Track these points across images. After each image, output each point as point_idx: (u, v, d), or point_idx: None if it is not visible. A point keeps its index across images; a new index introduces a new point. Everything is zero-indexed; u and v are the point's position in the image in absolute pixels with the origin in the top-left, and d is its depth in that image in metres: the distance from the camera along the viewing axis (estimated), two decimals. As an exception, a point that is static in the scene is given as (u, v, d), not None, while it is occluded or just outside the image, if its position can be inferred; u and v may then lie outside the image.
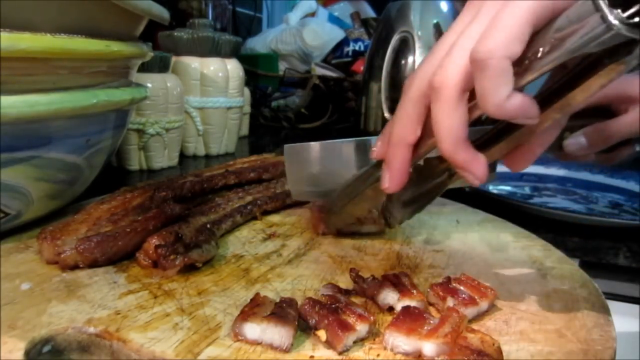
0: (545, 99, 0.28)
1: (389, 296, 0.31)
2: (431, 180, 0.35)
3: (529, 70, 0.26)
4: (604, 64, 0.25)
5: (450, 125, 0.28)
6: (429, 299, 0.32)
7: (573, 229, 0.52)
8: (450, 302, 0.31)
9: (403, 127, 0.31)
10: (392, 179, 0.32)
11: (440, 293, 0.32)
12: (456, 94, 0.27)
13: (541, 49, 0.25)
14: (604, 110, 0.39)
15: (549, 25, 0.25)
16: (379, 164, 0.34)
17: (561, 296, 0.34)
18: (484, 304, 0.31)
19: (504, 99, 0.25)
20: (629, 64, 0.24)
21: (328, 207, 0.43)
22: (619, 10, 0.22)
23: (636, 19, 0.22)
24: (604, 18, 0.22)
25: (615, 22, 0.22)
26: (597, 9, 0.22)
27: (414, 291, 0.32)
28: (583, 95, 0.27)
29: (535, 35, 0.25)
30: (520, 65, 0.26)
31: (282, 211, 0.51)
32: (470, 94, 0.28)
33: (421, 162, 0.35)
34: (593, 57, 0.25)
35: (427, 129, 0.31)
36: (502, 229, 0.47)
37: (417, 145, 0.31)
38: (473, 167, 0.29)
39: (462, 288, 0.32)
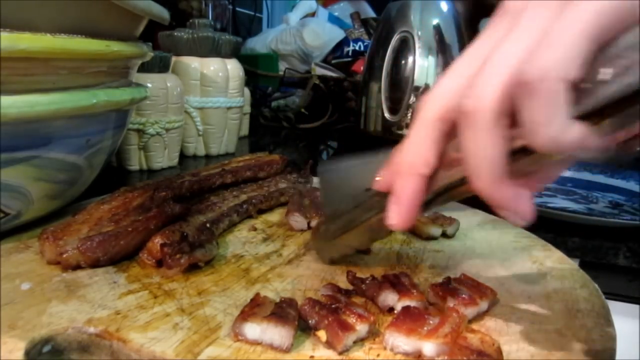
0: (595, 116, 0.22)
1: (389, 297, 0.31)
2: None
3: (588, 97, 0.21)
4: None
5: (488, 157, 0.23)
6: (429, 299, 0.32)
7: (573, 229, 0.52)
8: (450, 302, 0.31)
9: (415, 154, 0.27)
10: (399, 215, 0.28)
11: (440, 293, 0.32)
12: (494, 119, 0.23)
13: (604, 72, 0.20)
14: None
15: (612, 45, 0.20)
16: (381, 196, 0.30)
17: (561, 296, 0.34)
18: (483, 304, 0.31)
19: (560, 130, 0.21)
20: None
21: (320, 234, 0.38)
22: None
23: None
24: None
25: None
26: None
27: (414, 291, 0.32)
28: None
29: (595, 56, 0.21)
30: (577, 91, 0.21)
31: (279, 209, 0.51)
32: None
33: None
34: None
35: (443, 160, 0.27)
36: (502, 229, 0.47)
37: (430, 178, 0.27)
38: (519, 205, 0.24)
39: (462, 288, 0.32)
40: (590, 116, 0.21)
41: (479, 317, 0.31)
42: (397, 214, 0.28)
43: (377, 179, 0.31)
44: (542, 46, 0.21)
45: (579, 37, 0.20)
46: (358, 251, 0.39)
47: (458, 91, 0.25)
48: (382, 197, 0.30)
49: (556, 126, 0.21)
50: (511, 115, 0.23)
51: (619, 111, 0.21)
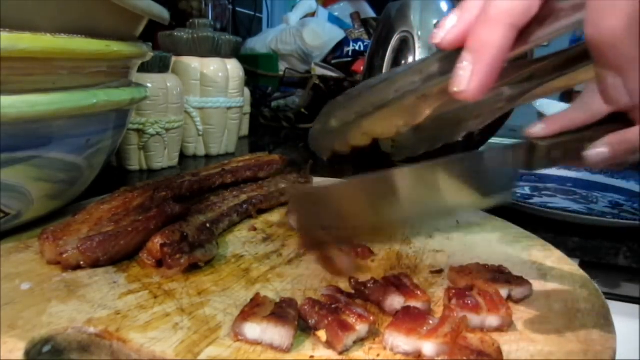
0: None
1: (395, 301, 0.31)
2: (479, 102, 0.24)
3: None
4: None
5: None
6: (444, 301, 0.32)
7: (573, 229, 0.52)
8: (453, 302, 0.31)
9: None
10: (477, 76, 0.21)
11: (450, 295, 0.31)
12: None
13: None
14: (623, 118, 0.30)
15: None
16: (433, 62, 0.24)
17: (561, 296, 0.34)
18: (492, 318, 0.30)
19: None
20: None
21: (329, 116, 0.31)
22: None
23: None
24: None
25: None
26: None
27: (418, 292, 0.31)
28: None
29: None
30: None
31: (279, 209, 0.51)
32: None
33: None
34: None
35: (543, 12, 0.21)
36: (502, 229, 0.47)
37: (521, 36, 0.21)
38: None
39: (475, 296, 0.31)
40: None
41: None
42: (473, 75, 0.21)
43: (442, 30, 0.24)
44: None
45: None
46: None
47: None
48: (428, 63, 0.24)
49: None
50: None
51: None
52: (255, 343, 0.27)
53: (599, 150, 0.29)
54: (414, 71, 0.26)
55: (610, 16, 0.19)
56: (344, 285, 0.34)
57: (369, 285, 0.32)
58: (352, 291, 0.33)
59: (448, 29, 0.23)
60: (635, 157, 0.29)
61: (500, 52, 0.21)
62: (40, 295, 0.31)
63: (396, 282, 0.32)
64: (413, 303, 0.30)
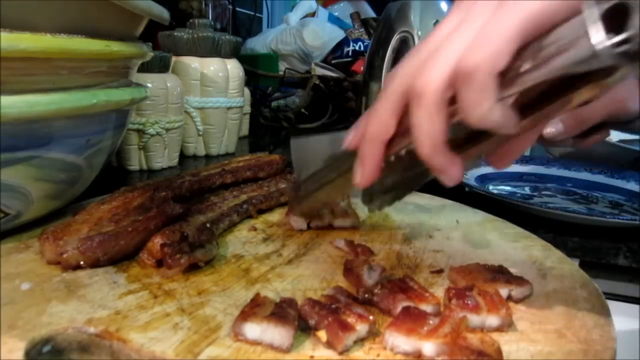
0: (525, 107, 0.27)
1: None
2: (414, 168, 0.34)
3: (513, 84, 0.26)
4: (586, 81, 0.25)
5: (430, 131, 0.28)
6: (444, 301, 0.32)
7: (573, 229, 0.52)
8: (452, 303, 0.31)
9: (379, 123, 0.31)
10: (363, 175, 0.32)
11: (450, 295, 0.31)
12: (437, 100, 0.27)
13: (527, 65, 0.25)
14: None
15: (537, 40, 0.25)
16: (352, 152, 0.34)
17: (561, 296, 0.34)
18: (492, 318, 0.30)
19: (487, 111, 0.26)
20: (611, 84, 0.25)
21: (296, 191, 0.43)
22: (609, 36, 0.21)
23: (623, 47, 0.21)
24: (591, 43, 0.22)
25: (602, 48, 0.22)
26: (587, 33, 0.22)
27: (427, 294, 0.31)
28: (563, 108, 0.27)
29: (523, 48, 0.25)
30: (505, 76, 0.25)
31: (279, 209, 0.51)
32: (452, 98, 0.27)
33: (403, 151, 0.33)
34: (577, 74, 0.25)
35: (402, 127, 0.30)
36: (502, 229, 0.47)
37: (391, 142, 0.31)
38: (449, 171, 0.29)
39: (475, 296, 0.31)
40: (522, 105, 0.27)
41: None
42: (361, 174, 0.32)
43: (348, 138, 0.34)
44: (479, 42, 0.25)
45: (509, 35, 0.24)
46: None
47: (414, 72, 0.28)
48: (347, 156, 0.34)
49: (484, 108, 0.26)
50: (453, 96, 0.27)
51: (542, 102, 0.27)
52: (255, 343, 0.27)
53: (555, 126, 0.44)
54: (338, 160, 0.36)
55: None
56: (343, 284, 0.34)
57: (376, 291, 0.32)
58: (356, 294, 0.33)
59: (350, 139, 0.33)
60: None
61: (376, 159, 0.31)
62: (40, 295, 0.31)
63: (403, 286, 0.32)
64: (423, 306, 0.30)
